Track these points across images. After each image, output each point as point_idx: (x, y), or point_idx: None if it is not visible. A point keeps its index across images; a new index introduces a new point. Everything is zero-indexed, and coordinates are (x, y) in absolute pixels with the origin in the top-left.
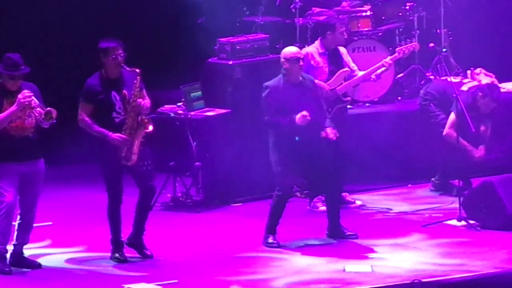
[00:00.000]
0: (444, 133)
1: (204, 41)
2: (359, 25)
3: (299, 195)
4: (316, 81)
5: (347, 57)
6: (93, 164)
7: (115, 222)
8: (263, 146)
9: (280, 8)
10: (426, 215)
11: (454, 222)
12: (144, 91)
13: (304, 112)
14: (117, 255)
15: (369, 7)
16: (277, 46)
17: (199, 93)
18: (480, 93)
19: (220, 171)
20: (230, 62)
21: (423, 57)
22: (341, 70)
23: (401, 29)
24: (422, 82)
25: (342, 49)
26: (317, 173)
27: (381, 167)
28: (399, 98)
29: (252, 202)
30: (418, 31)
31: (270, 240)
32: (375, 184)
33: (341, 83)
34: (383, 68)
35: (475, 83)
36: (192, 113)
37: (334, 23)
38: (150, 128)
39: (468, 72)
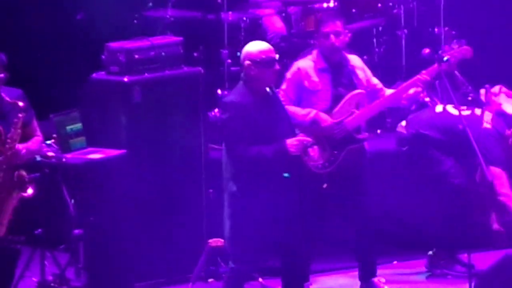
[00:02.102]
0: (500, 198)
1: (86, 47)
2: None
3: (260, 280)
4: (312, 113)
5: (363, 71)
6: None
7: None
8: (177, 204)
9: None
10: None
11: None
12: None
13: (298, 138)
14: None
15: None
16: (195, 54)
17: (79, 125)
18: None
19: (110, 243)
20: (125, 79)
21: (413, 69)
22: (351, 93)
23: (380, 28)
24: (413, 107)
25: (355, 59)
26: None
27: (351, 238)
28: (379, 131)
29: None
30: (406, 31)
31: None
32: (343, 261)
33: (352, 113)
34: (415, 89)
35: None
36: (69, 155)
37: (320, 19)
38: (30, 191)
39: (482, 91)
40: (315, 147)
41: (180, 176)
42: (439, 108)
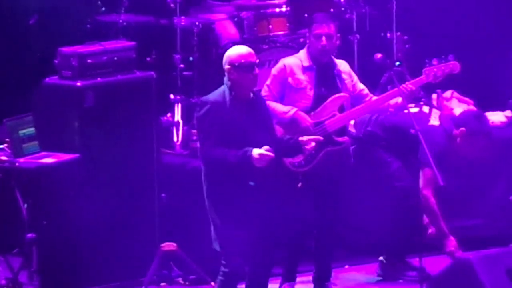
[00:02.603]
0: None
1: (39, 52)
2: (270, 26)
3: (213, 284)
4: (292, 111)
5: (349, 76)
6: None
7: None
8: (129, 208)
9: (152, 3)
10: None
11: None
12: None
13: (266, 147)
14: None
15: (284, 0)
16: (147, 58)
17: (32, 130)
18: (463, 128)
19: (63, 247)
20: (78, 84)
21: (365, 74)
22: (334, 96)
23: None
24: None
25: (342, 64)
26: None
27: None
28: None
29: None
30: (358, 36)
31: None
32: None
33: (334, 115)
34: (398, 99)
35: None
36: (22, 160)
37: (312, 19)
38: None
39: (434, 96)
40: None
41: (132, 181)
42: None
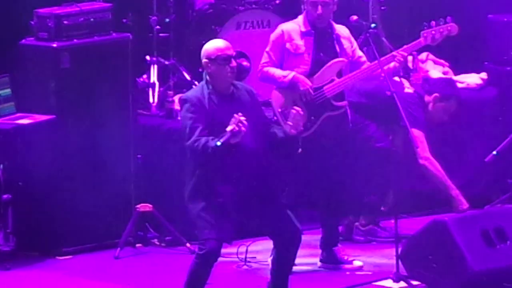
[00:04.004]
0: (421, 161)
1: (15, 13)
2: None
3: (188, 245)
4: (290, 75)
5: (348, 41)
6: None
7: None
8: (105, 169)
9: None
10: (348, 273)
11: (388, 283)
12: None
13: (237, 116)
14: None
15: None
16: (124, 20)
17: (8, 91)
18: (436, 94)
19: (39, 208)
20: (54, 45)
21: None
22: (333, 61)
23: None
24: None
25: (341, 29)
26: (267, 219)
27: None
28: None
29: (87, 254)
30: None
31: None
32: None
33: (333, 80)
34: (394, 63)
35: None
36: None
37: None
38: None
39: (410, 58)
40: (293, 110)
41: (108, 142)
42: None
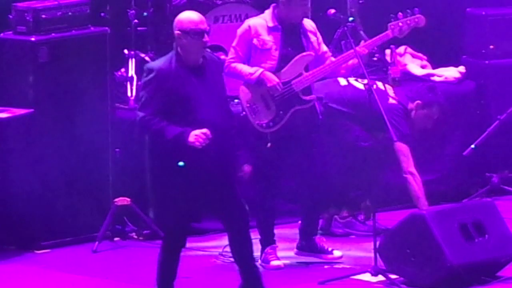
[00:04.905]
0: (404, 175)
1: None
2: None
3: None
4: (258, 72)
5: (314, 35)
6: None
7: None
8: (83, 162)
9: None
10: (326, 266)
11: (367, 276)
12: None
13: (204, 131)
14: None
15: None
16: (102, 14)
17: None
18: (418, 101)
19: (16, 202)
20: (32, 39)
21: (319, 29)
22: (300, 55)
23: None
24: None
25: (308, 23)
26: (220, 207)
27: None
28: None
29: (65, 248)
30: None
31: None
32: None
33: (301, 74)
34: (353, 61)
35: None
36: None
37: None
38: None
39: (388, 51)
40: (259, 105)
41: (86, 135)
42: (343, 81)
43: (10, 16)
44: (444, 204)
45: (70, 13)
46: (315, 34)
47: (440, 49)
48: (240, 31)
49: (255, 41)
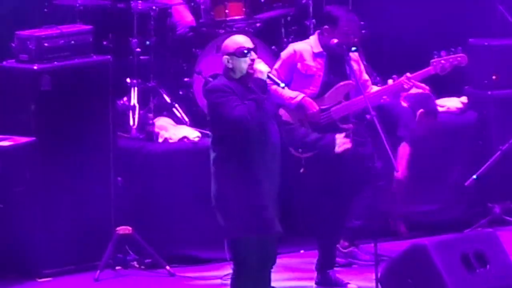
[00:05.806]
0: (396, 174)
1: None
2: (226, 11)
3: (168, 268)
4: (299, 97)
5: (357, 64)
6: None
7: None
8: (85, 191)
9: None
10: None
11: None
12: None
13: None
14: None
15: None
16: (104, 42)
17: None
18: (422, 110)
19: (18, 229)
20: (35, 67)
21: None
22: (342, 83)
23: (289, 18)
24: None
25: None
26: None
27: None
28: None
29: (67, 276)
30: (314, 21)
31: None
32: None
33: (340, 102)
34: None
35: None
36: None
37: (337, 15)
38: None
39: (390, 81)
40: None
41: (88, 164)
42: None
43: (13, 44)
44: (445, 234)
45: (72, 42)
46: (358, 63)
47: (443, 79)
48: (284, 54)
49: (299, 65)
